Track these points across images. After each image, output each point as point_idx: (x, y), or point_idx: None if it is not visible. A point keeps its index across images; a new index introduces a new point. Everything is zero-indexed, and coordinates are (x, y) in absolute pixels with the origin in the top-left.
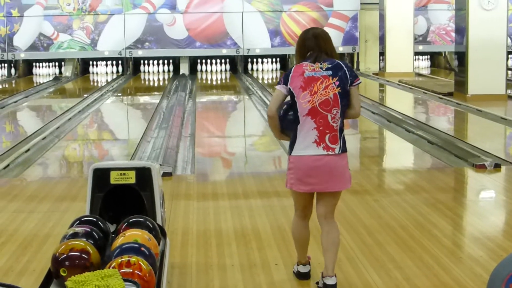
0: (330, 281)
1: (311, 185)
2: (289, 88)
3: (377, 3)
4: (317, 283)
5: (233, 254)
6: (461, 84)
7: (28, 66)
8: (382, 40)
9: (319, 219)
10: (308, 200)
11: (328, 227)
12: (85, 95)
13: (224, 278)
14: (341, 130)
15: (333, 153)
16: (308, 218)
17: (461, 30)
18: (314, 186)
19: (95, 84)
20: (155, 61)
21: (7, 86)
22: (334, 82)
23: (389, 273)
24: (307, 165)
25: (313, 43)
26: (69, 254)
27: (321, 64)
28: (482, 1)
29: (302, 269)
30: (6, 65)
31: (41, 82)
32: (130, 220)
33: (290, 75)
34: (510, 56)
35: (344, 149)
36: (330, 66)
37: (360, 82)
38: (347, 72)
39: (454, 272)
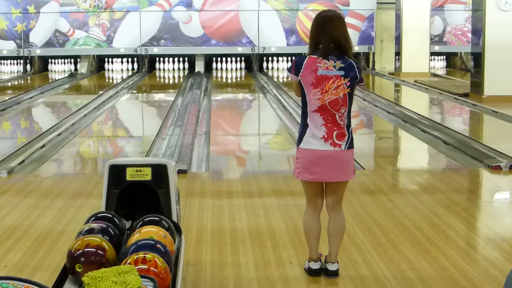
0: (332, 267)
1: (316, 174)
2: (300, 80)
3: (394, 3)
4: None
5: (247, 252)
6: (477, 85)
7: (43, 62)
8: (398, 40)
9: (327, 208)
10: (317, 191)
11: (335, 216)
12: (101, 92)
13: (239, 276)
14: (348, 126)
15: (339, 149)
16: (319, 210)
17: (478, 31)
18: (319, 176)
19: (111, 81)
20: (171, 59)
21: (22, 82)
22: (345, 83)
23: (403, 274)
24: (314, 155)
25: (327, 35)
26: (85, 250)
27: (334, 62)
28: (499, 1)
29: (313, 265)
30: (22, 61)
31: (57, 78)
32: (146, 219)
33: (303, 66)
34: None
35: (350, 146)
36: (343, 65)
37: (363, 85)
38: (357, 73)
39: (469, 274)
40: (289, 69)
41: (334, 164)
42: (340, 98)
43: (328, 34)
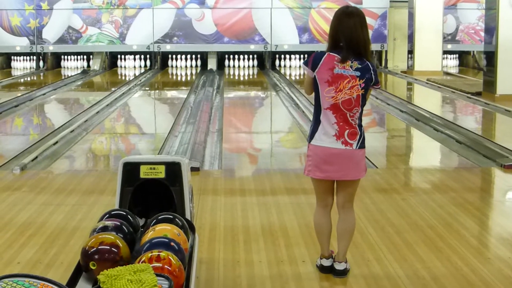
0: (339, 266)
1: (327, 172)
2: (315, 76)
3: (407, 1)
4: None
5: (260, 250)
6: (490, 84)
7: (56, 59)
8: (410, 38)
9: (337, 207)
10: (327, 189)
11: (344, 216)
12: (113, 89)
13: (252, 274)
14: (360, 126)
15: (351, 148)
16: (329, 208)
17: (491, 30)
18: (330, 174)
19: (123, 78)
20: (183, 56)
21: (35, 78)
22: (360, 84)
23: (416, 273)
24: (325, 152)
25: (345, 32)
26: (99, 247)
27: (352, 62)
28: None
29: (325, 262)
30: (34, 57)
31: (69, 75)
32: (159, 217)
33: (320, 63)
34: None
35: (362, 146)
36: (360, 67)
37: (379, 88)
38: (373, 75)
39: (482, 273)
40: (305, 63)
41: (345, 163)
42: (353, 98)
43: (346, 31)
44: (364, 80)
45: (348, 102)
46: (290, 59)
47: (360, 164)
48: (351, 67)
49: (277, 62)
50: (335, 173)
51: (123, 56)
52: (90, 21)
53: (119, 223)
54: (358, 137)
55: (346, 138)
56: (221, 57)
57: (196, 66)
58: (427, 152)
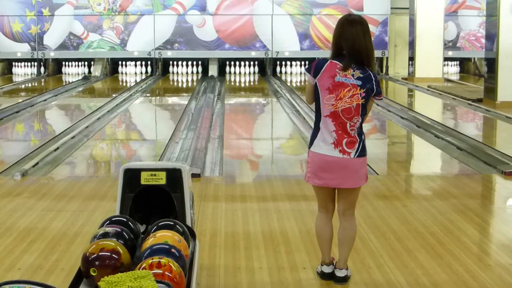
0: (340, 273)
1: (325, 180)
2: (316, 83)
3: (407, 8)
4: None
5: (261, 256)
6: (491, 91)
7: (57, 65)
8: (411, 45)
9: (338, 215)
10: (328, 196)
11: (346, 224)
12: (114, 95)
13: (252, 281)
14: (360, 135)
15: (348, 157)
16: (331, 215)
17: (492, 36)
18: (327, 181)
19: (124, 84)
20: (184, 62)
21: (36, 84)
22: (360, 93)
23: (417, 279)
24: (322, 160)
25: (347, 40)
26: (100, 254)
27: (353, 70)
28: None
29: (326, 269)
30: (36, 63)
31: (70, 81)
32: (160, 224)
33: (322, 70)
34: None
35: (360, 154)
36: (361, 76)
37: (382, 99)
38: (374, 85)
39: (483, 280)
40: (308, 69)
41: (342, 171)
42: (353, 107)
43: (348, 39)
44: (365, 89)
45: (348, 110)
46: (291, 65)
47: (359, 173)
48: (352, 75)
49: (278, 68)
50: (332, 180)
51: (124, 62)
52: (91, 27)
53: (119, 230)
54: (356, 145)
55: (344, 147)
56: (222, 64)
57: (197, 72)
58: (428, 158)
